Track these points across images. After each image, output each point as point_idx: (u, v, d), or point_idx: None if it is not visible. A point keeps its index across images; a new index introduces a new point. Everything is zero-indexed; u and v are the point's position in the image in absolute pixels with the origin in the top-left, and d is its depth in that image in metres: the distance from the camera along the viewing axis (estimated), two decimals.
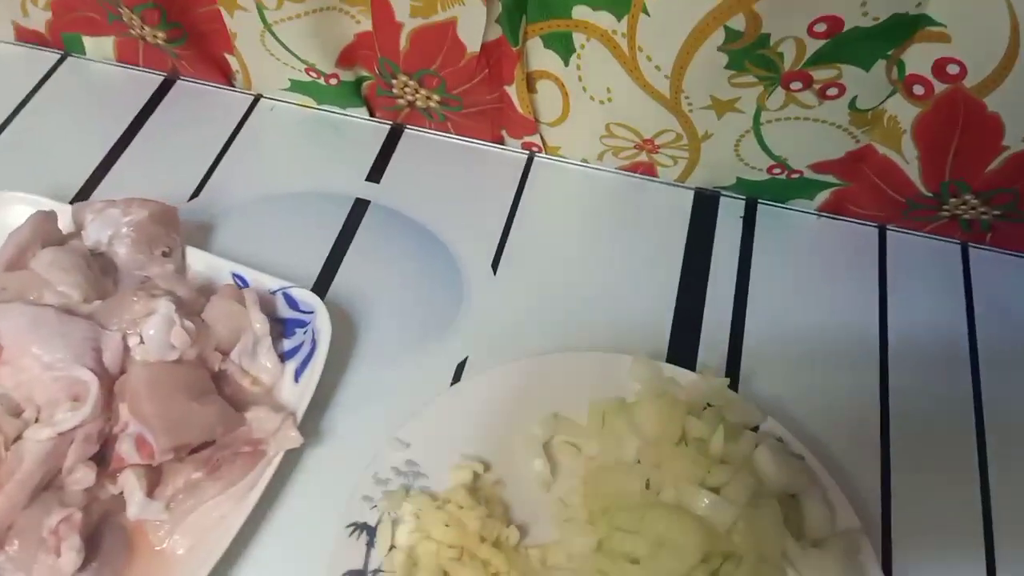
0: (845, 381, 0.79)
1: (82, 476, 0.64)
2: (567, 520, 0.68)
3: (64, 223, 0.78)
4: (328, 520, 0.67)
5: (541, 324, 0.82)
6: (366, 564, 0.65)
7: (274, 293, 0.76)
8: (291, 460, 0.71)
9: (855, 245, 0.90)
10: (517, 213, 0.90)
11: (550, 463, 0.71)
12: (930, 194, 0.85)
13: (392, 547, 0.66)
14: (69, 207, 0.79)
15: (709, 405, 0.73)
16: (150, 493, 0.65)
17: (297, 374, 0.73)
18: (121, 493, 0.65)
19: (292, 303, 0.76)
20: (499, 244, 0.87)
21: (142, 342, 0.67)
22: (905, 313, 0.84)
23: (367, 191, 0.90)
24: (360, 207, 0.89)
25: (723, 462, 0.68)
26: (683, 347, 0.81)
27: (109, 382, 0.66)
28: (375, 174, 0.92)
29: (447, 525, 0.65)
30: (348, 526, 0.66)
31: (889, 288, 0.86)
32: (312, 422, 0.74)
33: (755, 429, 0.73)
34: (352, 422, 0.74)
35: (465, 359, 0.79)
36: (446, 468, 0.70)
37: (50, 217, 0.76)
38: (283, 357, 0.74)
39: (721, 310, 0.84)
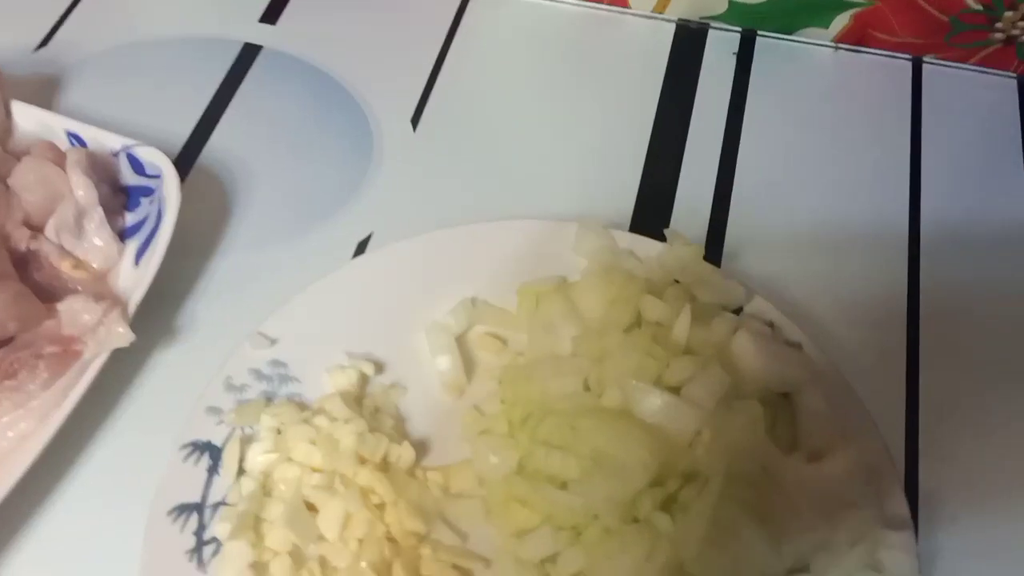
0: (863, 260, 0.61)
1: None
2: (482, 434, 0.51)
3: None
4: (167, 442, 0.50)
5: (470, 193, 0.64)
6: (204, 496, 0.49)
7: (116, 155, 0.59)
8: (129, 365, 0.55)
9: (882, 84, 0.71)
10: (448, 57, 0.71)
11: (465, 362, 0.54)
12: (980, 7, 0.64)
13: (241, 473, 0.49)
14: None
15: (677, 283, 0.55)
16: None
17: (138, 256, 0.56)
18: None
19: (138, 166, 0.59)
20: (422, 95, 0.69)
21: None
22: (944, 173, 0.65)
23: (259, 34, 0.72)
24: (249, 53, 0.71)
25: (688, 353, 0.50)
26: (652, 219, 0.62)
27: None
28: (271, 14, 0.74)
29: (312, 443, 0.49)
30: (184, 447, 0.50)
31: (924, 139, 0.67)
32: (163, 317, 0.57)
33: (738, 312, 0.55)
34: (217, 317, 0.58)
35: (369, 236, 0.61)
36: (324, 370, 0.53)
37: None
38: (124, 235, 0.58)
39: (703, 172, 0.65)
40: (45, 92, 0.68)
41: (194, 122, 0.67)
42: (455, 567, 0.47)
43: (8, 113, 0.61)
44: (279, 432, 0.50)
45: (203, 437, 0.50)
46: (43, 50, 0.71)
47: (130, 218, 0.59)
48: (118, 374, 0.54)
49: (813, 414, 0.50)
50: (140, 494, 0.49)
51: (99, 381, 0.51)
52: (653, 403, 0.47)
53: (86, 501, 0.51)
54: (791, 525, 0.45)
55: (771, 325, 0.54)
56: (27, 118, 0.61)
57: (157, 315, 0.57)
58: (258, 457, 0.49)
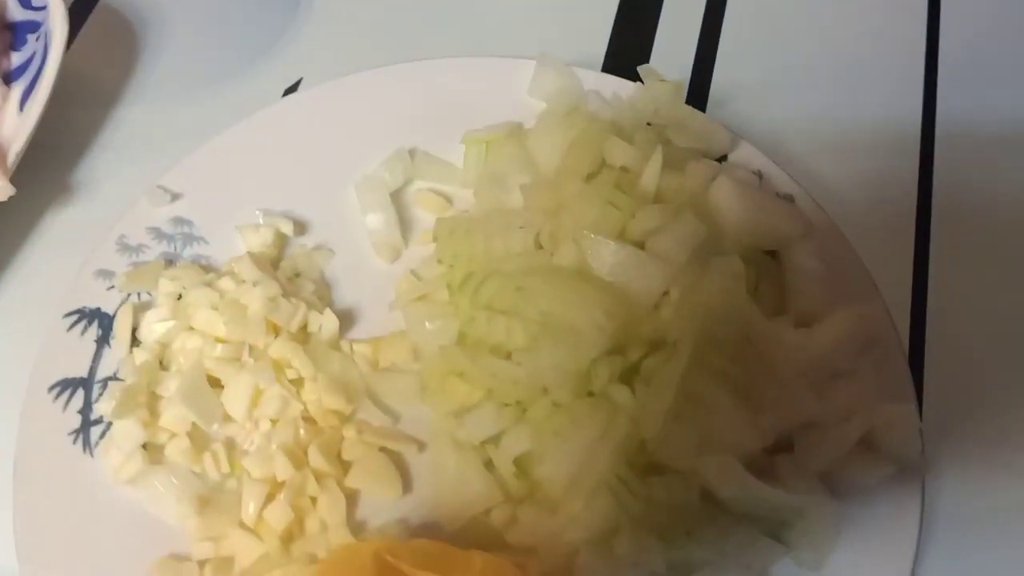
0: (872, 110, 0.52)
1: None
2: (418, 300, 0.44)
3: None
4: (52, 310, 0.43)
5: (415, 31, 0.55)
6: (92, 370, 0.42)
7: None
8: (14, 225, 0.48)
9: None
10: None
11: (401, 222, 0.47)
12: None
13: (135, 344, 0.43)
14: None
15: (650, 126, 0.47)
16: None
17: (23, 100, 0.48)
18: None
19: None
20: None
21: None
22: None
23: None
24: None
25: (659, 203, 0.42)
26: (627, 61, 0.53)
27: None
28: None
29: (215, 309, 0.42)
30: (69, 315, 0.43)
31: None
32: (56, 172, 0.50)
33: (722, 161, 0.47)
34: (119, 174, 0.50)
35: (298, 82, 0.53)
36: (235, 229, 0.46)
37: None
38: (9, 77, 0.50)
39: (689, 3, 0.56)
40: None
41: None
42: (383, 450, 0.41)
43: None
44: (179, 299, 0.43)
45: (91, 304, 0.43)
46: None
47: (16, 58, 0.50)
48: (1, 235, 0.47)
49: (804, 273, 0.42)
50: (20, 369, 0.42)
51: None
52: (613, 257, 0.40)
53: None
54: (773, 398, 0.38)
55: (759, 176, 0.46)
56: None
57: (49, 170, 0.50)
58: (154, 325, 0.42)
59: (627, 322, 0.39)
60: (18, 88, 0.49)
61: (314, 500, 0.39)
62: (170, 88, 0.53)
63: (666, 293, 0.40)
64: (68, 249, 0.47)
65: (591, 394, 0.39)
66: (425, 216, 0.47)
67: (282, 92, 0.53)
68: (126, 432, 0.39)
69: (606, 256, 0.40)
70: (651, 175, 0.42)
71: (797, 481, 0.38)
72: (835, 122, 0.51)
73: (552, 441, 0.38)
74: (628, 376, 0.39)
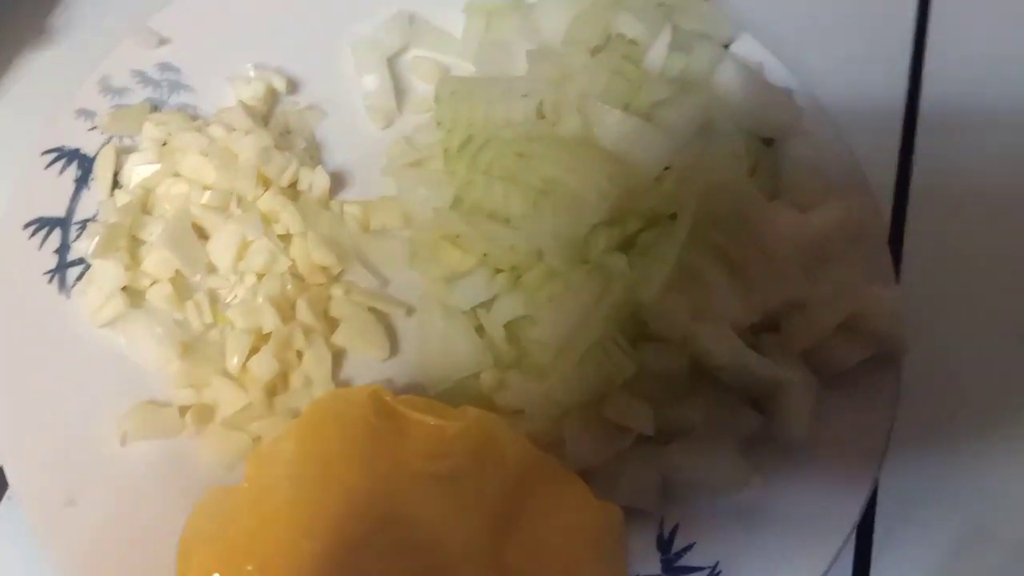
0: (871, 10, 0.52)
1: None
2: (410, 166, 0.43)
3: None
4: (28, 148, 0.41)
5: None
6: (70, 211, 0.40)
7: None
8: None
9: None
10: None
11: (396, 90, 0.46)
12: None
13: (116, 187, 0.41)
14: None
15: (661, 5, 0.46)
16: None
17: None
18: None
19: None
20: None
21: None
22: None
23: None
24: None
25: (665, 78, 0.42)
26: None
27: None
28: None
29: (205, 155, 0.40)
30: (47, 152, 0.41)
31: None
32: (35, 15, 0.47)
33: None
34: (104, 14, 0.48)
35: None
36: (226, 80, 0.44)
37: None
38: None
39: None
40: None
41: None
42: (371, 310, 0.40)
43: None
44: (164, 145, 0.41)
45: (71, 144, 0.41)
46: None
47: None
48: None
49: (800, 163, 0.43)
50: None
51: None
52: (618, 127, 0.39)
53: None
54: (765, 275, 0.38)
55: (760, 67, 0.46)
56: None
57: (27, 8, 0.47)
58: (137, 169, 0.41)
59: (628, 192, 0.38)
60: None
61: (300, 355, 0.39)
62: None
63: (667, 168, 0.39)
64: (46, 90, 0.45)
65: (587, 263, 0.39)
66: (420, 85, 0.46)
67: None
68: (107, 272, 0.38)
69: (611, 125, 0.39)
70: (659, 50, 0.42)
71: (781, 359, 0.38)
72: (834, 25, 0.51)
73: (546, 306, 0.38)
74: (624, 248, 0.39)
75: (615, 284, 0.38)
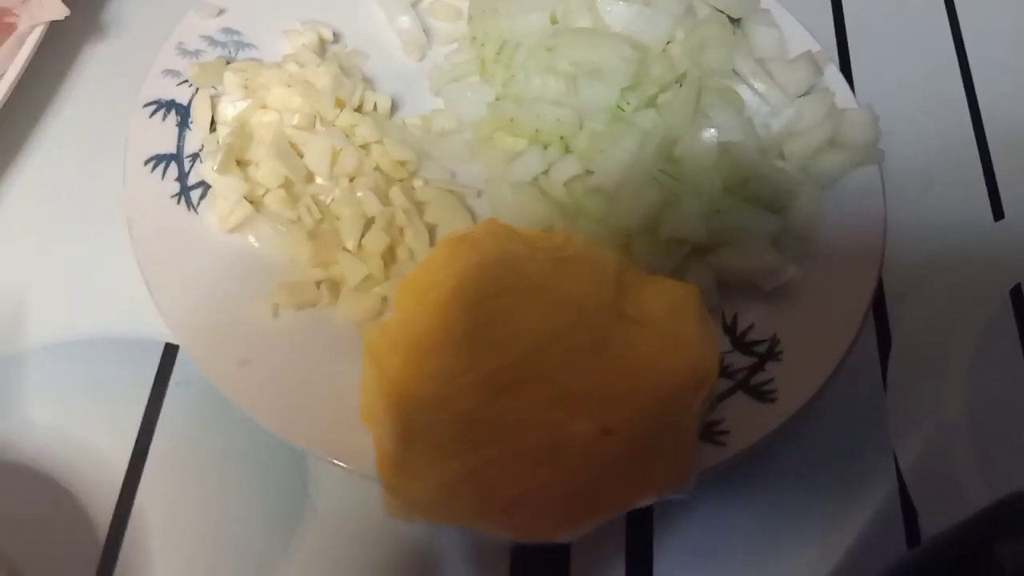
0: None
1: None
2: (454, 81, 0.51)
3: None
4: (123, 109, 0.48)
5: None
6: (179, 147, 0.47)
7: None
8: (63, 51, 0.51)
9: None
10: None
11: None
12: None
13: (214, 125, 0.48)
14: None
15: None
16: None
17: None
18: None
19: None
20: None
21: None
22: None
23: None
24: None
25: None
26: None
27: None
28: None
29: (288, 86, 0.47)
30: (148, 105, 0.47)
31: None
32: (88, 12, 0.53)
33: None
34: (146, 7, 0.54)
35: None
36: (279, 35, 0.51)
37: None
38: None
39: None
40: None
41: None
42: (451, 191, 0.48)
43: None
44: (246, 87, 0.48)
45: (166, 96, 0.48)
46: None
47: None
48: (52, 57, 0.51)
49: (764, 35, 0.53)
50: (113, 146, 0.47)
51: (40, 58, 0.48)
52: (623, 13, 0.48)
53: (63, 147, 0.50)
54: (763, 109, 0.48)
55: None
56: None
57: (80, 7, 0.53)
58: (229, 107, 0.47)
59: (642, 62, 0.47)
60: None
61: (402, 231, 0.46)
62: None
63: (670, 41, 0.49)
64: (107, 82, 0.52)
65: (622, 120, 0.47)
66: (439, 24, 0.54)
67: None
68: (229, 186, 0.44)
69: (618, 14, 0.48)
70: None
71: (789, 172, 0.48)
72: None
73: (598, 157, 0.46)
74: (647, 108, 0.48)
75: (650, 131, 0.46)
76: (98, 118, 0.50)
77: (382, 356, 0.38)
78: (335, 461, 0.39)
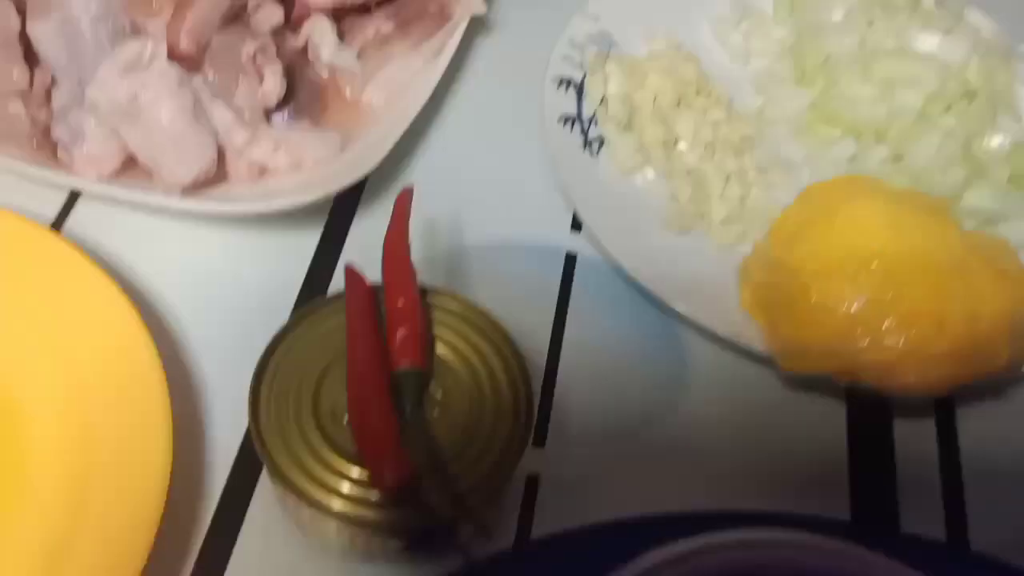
0: None
1: (269, 12, 0.58)
2: (780, 81, 0.64)
3: None
4: (520, 84, 0.62)
5: None
6: (579, 111, 0.60)
7: None
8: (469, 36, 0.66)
9: None
10: None
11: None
12: None
13: (604, 99, 0.61)
14: None
15: None
16: None
17: None
18: (305, 49, 0.60)
19: None
20: None
21: None
22: None
23: None
24: None
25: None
26: None
27: None
28: None
29: (659, 73, 0.61)
30: (554, 80, 0.61)
31: None
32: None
33: None
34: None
35: None
36: (640, 39, 0.65)
37: None
38: None
39: None
40: None
41: None
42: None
43: None
44: (627, 74, 0.62)
45: (566, 75, 0.62)
46: None
47: None
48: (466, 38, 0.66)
49: None
50: (513, 111, 0.61)
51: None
52: (930, 40, 0.61)
53: (462, 127, 0.63)
54: None
55: None
56: None
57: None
58: (617, 86, 0.61)
59: (945, 75, 0.60)
60: None
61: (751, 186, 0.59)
62: None
63: (969, 59, 0.61)
64: (504, 59, 0.66)
65: (927, 120, 0.60)
66: (755, 44, 0.68)
67: None
68: (626, 141, 0.58)
69: (926, 39, 0.62)
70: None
71: None
72: None
73: (909, 146, 0.59)
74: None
75: (952, 129, 0.59)
76: (491, 92, 0.64)
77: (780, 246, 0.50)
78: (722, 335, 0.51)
